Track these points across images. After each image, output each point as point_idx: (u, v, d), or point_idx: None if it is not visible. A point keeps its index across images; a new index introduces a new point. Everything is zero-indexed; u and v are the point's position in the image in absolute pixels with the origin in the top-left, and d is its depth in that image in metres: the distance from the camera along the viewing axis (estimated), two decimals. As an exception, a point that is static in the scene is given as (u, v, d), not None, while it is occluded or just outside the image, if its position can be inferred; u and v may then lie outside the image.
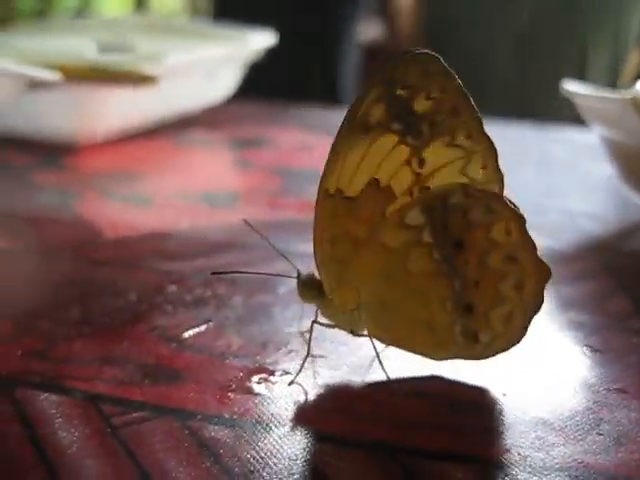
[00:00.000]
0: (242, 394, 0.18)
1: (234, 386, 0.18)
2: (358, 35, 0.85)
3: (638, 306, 0.24)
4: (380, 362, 0.18)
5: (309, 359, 0.19)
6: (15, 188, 0.35)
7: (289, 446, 0.16)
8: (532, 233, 0.32)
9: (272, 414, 0.17)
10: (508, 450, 0.16)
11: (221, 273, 0.21)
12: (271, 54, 0.50)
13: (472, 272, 0.17)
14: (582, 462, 0.16)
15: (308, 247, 0.19)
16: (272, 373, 0.19)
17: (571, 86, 0.33)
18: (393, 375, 0.18)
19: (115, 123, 0.43)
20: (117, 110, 0.42)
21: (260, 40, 0.50)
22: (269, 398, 0.18)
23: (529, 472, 0.15)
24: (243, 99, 0.52)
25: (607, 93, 0.32)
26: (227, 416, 0.17)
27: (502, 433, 0.17)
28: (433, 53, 0.17)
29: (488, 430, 0.17)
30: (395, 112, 0.17)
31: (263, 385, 0.18)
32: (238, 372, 0.19)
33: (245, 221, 0.20)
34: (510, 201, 0.18)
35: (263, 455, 0.15)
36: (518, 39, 0.84)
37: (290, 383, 0.18)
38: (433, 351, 0.18)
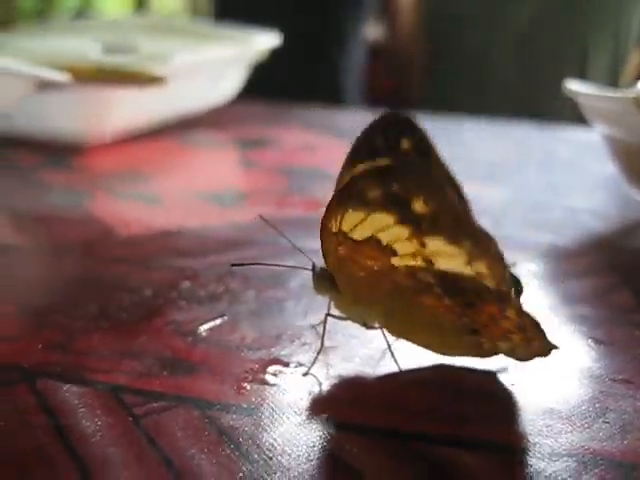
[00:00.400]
0: (258, 385, 0.18)
1: (250, 377, 0.18)
2: (362, 35, 0.86)
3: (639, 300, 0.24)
4: (392, 353, 0.19)
5: (322, 351, 0.19)
6: (24, 187, 0.36)
7: (305, 434, 0.16)
8: (536, 229, 0.32)
9: (288, 403, 0.17)
10: (517, 437, 0.17)
11: (241, 265, 0.22)
12: (273, 54, 0.51)
13: (482, 320, 0.17)
14: (589, 449, 0.16)
15: (316, 244, 0.19)
16: (286, 365, 0.19)
17: (573, 85, 0.33)
18: (404, 366, 0.19)
19: (122, 124, 0.43)
20: (124, 111, 0.43)
21: (264, 41, 0.50)
22: (284, 388, 0.18)
23: (538, 458, 0.16)
24: (247, 100, 0.53)
25: (609, 92, 0.32)
26: (245, 405, 0.17)
27: (511, 421, 0.17)
28: (428, 167, 0.17)
29: (497, 418, 0.17)
30: (393, 201, 0.16)
31: (278, 376, 0.19)
32: (253, 364, 0.19)
33: (260, 217, 0.21)
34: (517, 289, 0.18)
35: (281, 442, 0.16)
36: (518, 39, 0.85)
37: (305, 374, 0.19)
38: (441, 349, 0.19)
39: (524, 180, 0.39)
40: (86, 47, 0.47)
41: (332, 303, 0.19)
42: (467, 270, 0.17)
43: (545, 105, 0.79)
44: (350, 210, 0.17)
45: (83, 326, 0.21)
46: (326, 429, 0.17)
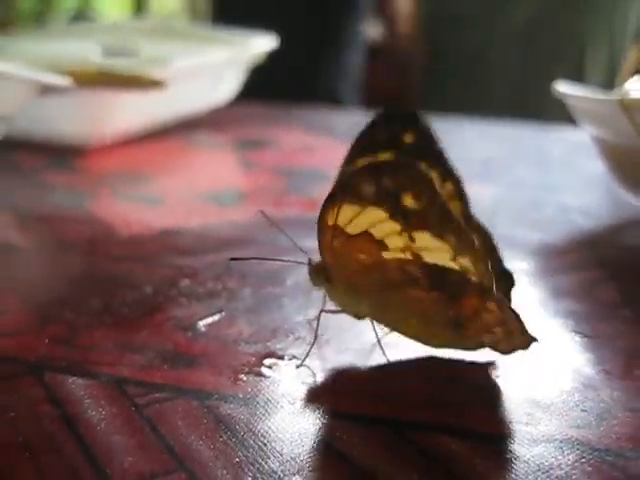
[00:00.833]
0: (254, 376, 0.19)
1: (247, 369, 0.19)
2: (361, 36, 0.86)
3: (625, 295, 0.25)
4: (380, 345, 0.20)
5: (316, 344, 0.20)
6: (28, 188, 0.37)
7: (299, 422, 0.17)
8: (527, 227, 0.33)
9: (282, 394, 0.18)
10: (500, 425, 0.18)
11: (239, 259, 0.23)
12: (271, 56, 0.52)
13: (466, 314, 0.18)
14: (566, 435, 0.17)
15: (312, 242, 0.20)
16: (281, 357, 0.20)
17: (562, 87, 0.34)
18: (395, 357, 0.20)
19: (123, 126, 0.44)
20: (125, 113, 0.43)
21: (263, 43, 0.51)
22: (279, 380, 0.19)
23: (518, 444, 0.17)
24: (246, 101, 0.54)
25: (596, 94, 0.33)
26: (241, 396, 0.18)
27: (495, 410, 0.18)
28: (416, 162, 0.17)
29: (482, 407, 0.18)
30: (383, 197, 0.17)
31: (273, 368, 0.20)
32: (250, 357, 0.20)
33: (261, 212, 0.22)
34: (508, 283, 0.19)
35: (275, 430, 0.17)
36: (517, 38, 0.85)
37: (298, 366, 0.20)
38: (430, 340, 0.20)
39: (517, 179, 0.39)
40: (87, 50, 0.48)
41: (326, 296, 0.20)
42: (452, 264, 0.18)
43: (543, 104, 0.80)
44: (346, 204, 0.18)
45: (87, 321, 0.22)
46: (319, 418, 0.18)
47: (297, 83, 0.75)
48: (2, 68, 0.33)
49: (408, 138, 0.19)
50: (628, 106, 0.29)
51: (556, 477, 0.16)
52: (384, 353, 0.20)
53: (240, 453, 0.16)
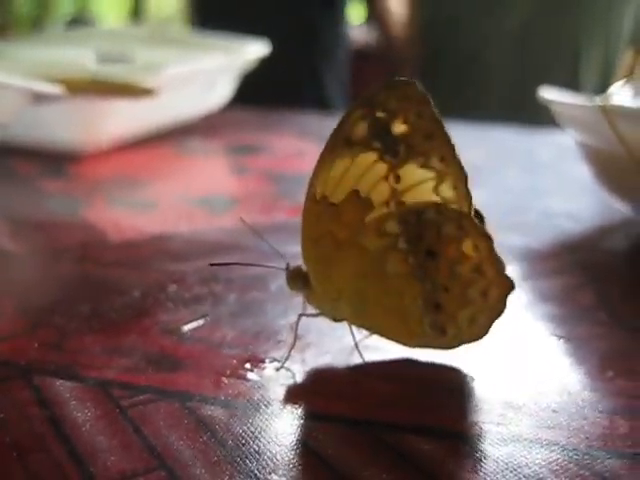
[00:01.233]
0: (235, 379, 0.20)
1: (228, 372, 0.20)
2: (347, 39, 0.87)
3: (603, 299, 0.26)
4: (358, 348, 0.20)
5: (296, 347, 0.21)
6: (22, 195, 0.37)
7: (277, 423, 0.18)
8: (512, 231, 0.34)
9: (262, 395, 0.19)
10: (471, 425, 0.18)
11: (219, 264, 0.23)
12: (262, 62, 0.52)
13: (442, 278, 0.19)
14: (536, 435, 0.18)
15: (296, 247, 0.21)
16: (263, 360, 0.21)
17: (547, 93, 0.35)
18: (371, 360, 0.21)
19: (117, 132, 0.44)
20: (118, 120, 0.44)
21: (254, 50, 0.52)
22: (259, 382, 0.20)
23: (489, 443, 0.17)
24: (239, 107, 0.54)
25: (579, 100, 0.34)
26: (222, 398, 0.19)
27: (468, 411, 0.19)
28: (413, 80, 0.19)
29: (455, 408, 0.19)
30: (375, 132, 0.19)
31: (254, 371, 0.20)
32: (232, 360, 0.21)
33: (241, 219, 0.22)
34: (479, 222, 0.19)
35: (254, 430, 0.18)
36: (512, 42, 0.86)
37: (278, 368, 0.20)
38: (406, 339, 0.20)
39: (504, 183, 0.40)
40: (82, 57, 0.48)
41: (305, 300, 0.21)
42: (434, 197, 0.19)
43: (539, 107, 0.80)
44: (337, 160, 0.19)
45: (76, 326, 0.23)
46: (296, 419, 0.18)
47: (287, 89, 0.75)
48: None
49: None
50: (609, 112, 0.29)
51: (524, 476, 0.16)
52: (361, 356, 0.20)
53: (219, 452, 0.17)
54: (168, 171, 0.43)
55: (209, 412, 0.18)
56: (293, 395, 0.19)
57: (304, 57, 0.80)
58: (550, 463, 0.17)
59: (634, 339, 0.23)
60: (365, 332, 0.21)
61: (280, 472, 0.16)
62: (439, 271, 0.19)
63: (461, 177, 0.19)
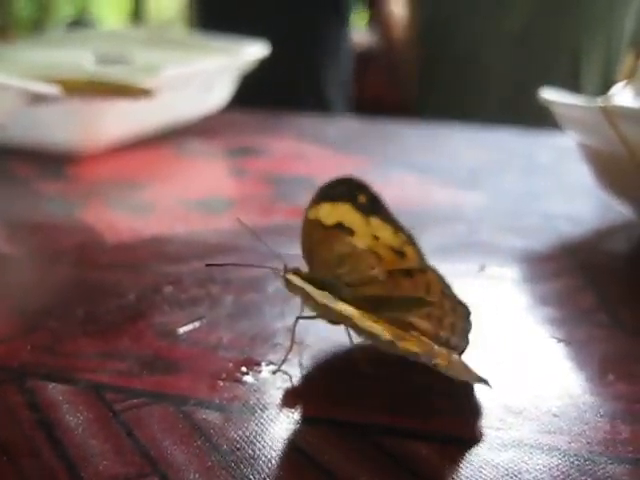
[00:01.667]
0: (231, 382, 0.19)
1: (224, 375, 0.20)
2: (349, 42, 0.87)
3: (602, 301, 0.25)
4: (355, 352, 0.20)
5: (293, 350, 0.20)
6: (19, 197, 0.37)
7: (272, 427, 0.18)
8: (512, 234, 0.34)
9: (258, 399, 0.19)
10: (471, 430, 0.18)
11: (215, 265, 0.23)
12: (261, 63, 0.52)
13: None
14: (537, 440, 0.17)
15: (295, 249, 0.21)
16: (259, 364, 0.20)
17: (547, 94, 0.34)
18: (367, 364, 0.20)
19: (115, 134, 0.44)
20: (117, 121, 0.44)
21: (254, 51, 0.51)
22: (255, 385, 0.19)
23: (488, 448, 0.17)
24: (238, 109, 0.54)
25: (580, 100, 0.33)
26: (217, 401, 0.19)
27: (467, 415, 0.19)
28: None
29: (454, 412, 0.19)
30: (347, 196, 0.23)
31: (250, 374, 0.20)
32: (228, 363, 0.20)
33: (238, 220, 0.22)
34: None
35: (249, 435, 0.17)
36: (512, 43, 0.86)
37: (274, 372, 0.20)
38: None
39: (503, 186, 0.40)
40: (81, 59, 0.48)
41: (302, 301, 0.20)
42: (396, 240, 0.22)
43: (539, 109, 0.80)
44: (322, 203, 0.22)
45: (71, 329, 0.22)
46: (291, 423, 0.18)
47: (286, 91, 0.75)
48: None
49: (362, 198, 0.23)
50: (611, 113, 0.29)
51: (524, 481, 0.16)
52: (359, 359, 0.20)
53: (213, 457, 0.16)
54: (166, 173, 0.42)
55: (204, 416, 0.18)
56: (290, 399, 0.19)
57: (304, 59, 0.80)
58: (551, 469, 0.16)
59: (635, 342, 0.23)
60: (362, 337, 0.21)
61: (275, 477, 0.16)
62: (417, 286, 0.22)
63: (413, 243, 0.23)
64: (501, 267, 0.28)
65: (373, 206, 0.23)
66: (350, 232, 0.22)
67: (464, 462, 0.17)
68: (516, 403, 0.19)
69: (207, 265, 0.21)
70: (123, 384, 0.19)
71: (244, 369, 0.20)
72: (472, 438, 0.18)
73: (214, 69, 0.50)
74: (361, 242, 0.22)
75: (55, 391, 0.19)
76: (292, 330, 0.20)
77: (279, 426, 0.18)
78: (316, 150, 0.47)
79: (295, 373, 0.20)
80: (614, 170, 0.32)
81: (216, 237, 0.31)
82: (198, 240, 0.31)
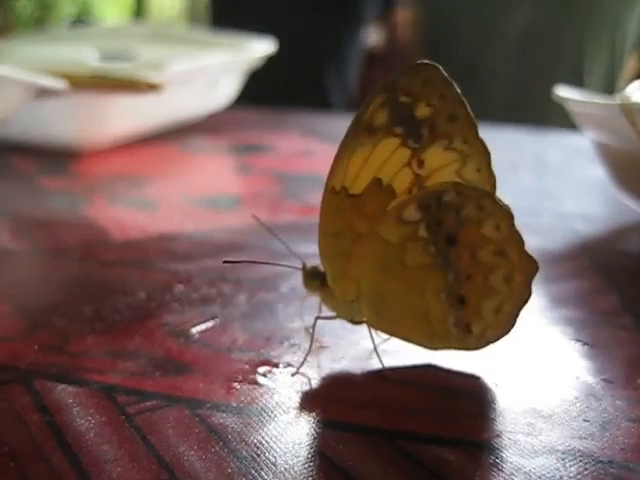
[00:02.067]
0: (248, 385, 0.19)
1: (240, 377, 0.19)
2: (361, 44, 0.86)
3: (625, 303, 0.25)
4: (377, 352, 0.19)
5: (311, 351, 0.20)
6: (23, 193, 0.36)
7: (293, 432, 0.17)
8: (526, 234, 0.33)
9: (276, 403, 0.18)
10: (499, 435, 0.17)
11: (233, 262, 0.22)
12: (268, 60, 0.51)
13: (465, 265, 0.18)
14: (569, 446, 0.17)
15: (308, 248, 0.20)
16: (276, 365, 0.20)
17: (563, 92, 0.34)
18: (390, 365, 0.19)
19: (119, 130, 0.44)
20: (121, 117, 0.43)
21: (261, 48, 0.51)
22: (273, 388, 0.19)
23: (519, 455, 0.16)
24: (243, 106, 0.53)
25: (597, 98, 0.33)
26: (234, 405, 0.18)
27: (493, 419, 0.18)
28: (435, 63, 0.19)
29: (480, 416, 0.18)
30: (398, 117, 0.18)
31: (268, 376, 0.19)
32: (243, 364, 0.20)
33: (254, 216, 0.21)
34: (500, 200, 0.19)
35: (268, 440, 0.16)
36: (514, 46, 0.85)
37: (293, 374, 0.19)
38: (428, 341, 0.19)
39: (515, 185, 0.39)
40: (84, 55, 0.47)
41: (321, 301, 0.20)
42: (456, 180, 0.19)
43: (542, 110, 0.80)
44: (358, 149, 0.18)
45: (78, 328, 0.22)
46: (313, 427, 0.17)
47: (287, 89, 0.74)
48: (-3, 70, 0.33)
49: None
50: (630, 110, 0.28)
51: (558, 490, 0.15)
52: (381, 361, 0.19)
53: (232, 464, 0.16)
54: (171, 170, 0.42)
55: (221, 420, 0.17)
56: (310, 403, 0.18)
57: (308, 59, 0.79)
58: (585, 476, 0.16)
59: (662, 345, 0.22)
60: (384, 335, 0.20)
61: (298, 485, 0.15)
62: (460, 258, 0.18)
63: (484, 158, 0.19)
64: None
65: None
66: None
67: (495, 469, 0.16)
68: (544, 407, 0.18)
69: (224, 262, 0.20)
70: (135, 386, 0.18)
71: (261, 371, 0.19)
72: (500, 444, 0.17)
73: (220, 65, 0.49)
74: None
75: (64, 393, 0.18)
76: (312, 331, 0.19)
77: (300, 431, 0.17)
78: (322, 147, 0.46)
79: (314, 375, 0.19)
80: (632, 168, 0.32)
81: (225, 235, 0.30)
82: (207, 238, 0.30)
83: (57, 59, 0.44)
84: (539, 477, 0.16)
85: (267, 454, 0.16)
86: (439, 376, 0.19)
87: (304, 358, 0.19)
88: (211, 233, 0.31)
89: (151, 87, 0.39)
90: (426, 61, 0.18)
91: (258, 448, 0.16)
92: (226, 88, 0.51)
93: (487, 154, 0.19)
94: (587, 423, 0.18)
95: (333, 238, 0.19)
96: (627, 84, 0.35)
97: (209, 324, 0.22)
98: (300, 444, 0.16)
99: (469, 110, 0.19)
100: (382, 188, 0.19)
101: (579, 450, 0.17)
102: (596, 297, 0.25)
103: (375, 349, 0.19)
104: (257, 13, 0.71)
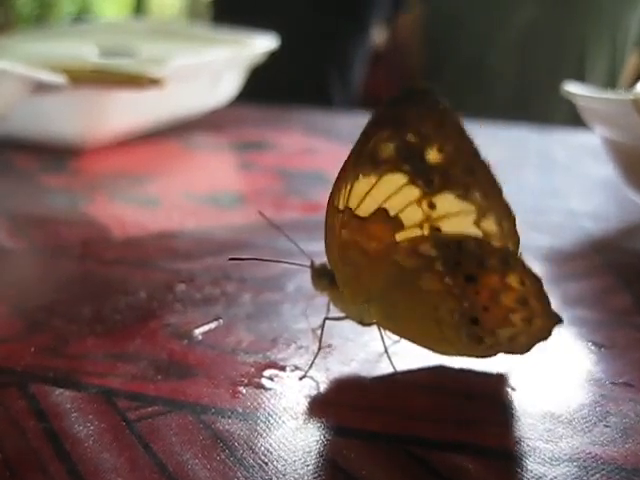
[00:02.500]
0: (254, 389, 0.18)
1: (246, 381, 0.18)
2: (368, 44, 0.86)
3: (638, 302, 0.24)
4: (388, 355, 0.19)
5: (319, 354, 0.19)
6: (23, 190, 0.36)
7: (301, 438, 0.16)
8: (534, 232, 0.32)
9: (284, 408, 0.17)
10: (518, 442, 0.16)
11: (238, 259, 0.21)
12: (271, 56, 0.51)
13: (482, 300, 0.17)
14: (590, 453, 0.16)
15: (313, 246, 0.19)
16: (283, 368, 0.19)
17: (572, 88, 0.33)
18: (401, 368, 0.19)
19: (120, 126, 0.43)
20: (122, 113, 0.42)
21: (263, 44, 0.50)
22: (281, 392, 0.18)
23: (539, 463, 0.16)
24: (245, 102, 0.53)
25: (608, 94, 0.32)
26: (240, 410, 0.17)
27: (511, 425, 0.17)
28: (443, 102, 0.17)
29: (497, 422, 0.17)
30: (405, 155, 0.17)
31: (274, 380, 0.18)
32: (249, 367, 0.19)
33: (260, 213, 0.21)
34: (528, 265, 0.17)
35: (276, 447, 0.16)
36: (516, 45, 0.85)
37: (301, 378, 0.18)
38: (440, 346, 0.19)
39: (523, 183, 0.38)
40: (84, 51, 0.47)
41: (330, 301, 0.19)
42: (474, 230, 0.17)
43: (544, 108, 0.79)
44: (361, 176, 0.17)
45: (77, 329, 0.21)
46: (323, 434, 0.16)
47: (288, 87, 0.74)
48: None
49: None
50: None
51: (581, 500, 0.15)
52: (392, 364, 0.19)
53: (239, 473, 0.15)
54: (173, 167, 0.41)
55: (226, 426, 0.16)
56: (319, 407, 0.17)
57: (311, 59, 0.79)
58: (610, 486, 0.15)
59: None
60: (395, 337, 0.19)
61: (308, 496, 0.14)
62: (479, 294, 0.17)
63: (507, 216, 0.17)
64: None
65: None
66: None
67: (513, 477, 0.15)
68: (563, 412, 0.17)
69: (230, 259, 0.20)
70: (136, 390, 0.18)
71: (267, 374, 0.19)
72: (520, 451, 0.16)
73: (222, 61, 0.48)
74: None
75: (62, 397, 0.17)
76: (320, 332, 0.19)
77: (310, 437, 0.16)
78: (324, 144, 0.46)
79: (323, 379, 0.18)
80: (643, 165, 0.31)
81: (228, 233, 0.30)
82: (209, 236, 0.29)
83: (57, 55, 0.43)
84: (561, 487, 0.15)
85: (275, 462, 0.15)
86: (453, 379, 0.19)
87: (312, 361, 0.19)
88: (213, 231, 0.30)
89: (152, 82, 0.38)
90: (435, 97, 0.17)
91: (266, 456, 0.15)
92: (228, 84, 0.50)
93: (511, 214, 0.17)
94: (608, 429, 0.17)
95: (340, 249, 0.18)
96: (628, 82, 0.34)
97: (213, 325, 0.21)
98: (310, 452, 0.16)
99: (487, 164, 0.17)
100: (389, 218, 0.17)
101: (601, 457, 0.16)
102: (608, 297, 0.25)
103: (386, 351, 0.19)
104: (260, 13, 0.70)
